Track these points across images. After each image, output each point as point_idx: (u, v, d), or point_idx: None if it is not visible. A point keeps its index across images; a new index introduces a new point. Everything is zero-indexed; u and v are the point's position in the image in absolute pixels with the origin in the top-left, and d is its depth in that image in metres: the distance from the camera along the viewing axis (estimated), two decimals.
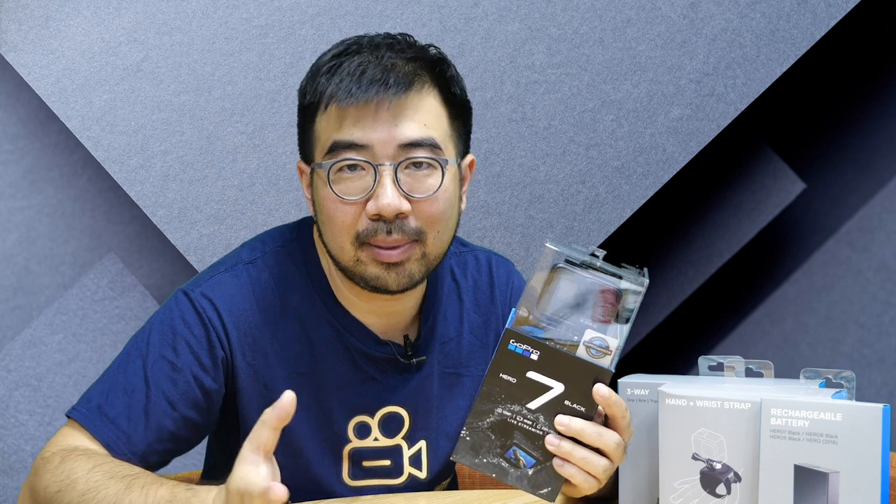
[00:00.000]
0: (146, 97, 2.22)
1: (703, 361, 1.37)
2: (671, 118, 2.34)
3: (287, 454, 1.49)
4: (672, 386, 1.28)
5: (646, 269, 1.24)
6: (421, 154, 1.40)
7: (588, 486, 1.25)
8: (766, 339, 2.67)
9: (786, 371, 1.42)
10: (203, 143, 2.23)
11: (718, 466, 1.25)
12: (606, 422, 1.26)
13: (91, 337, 2.36)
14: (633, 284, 1.22)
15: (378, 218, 1.39)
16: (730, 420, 1.24)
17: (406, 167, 1.40)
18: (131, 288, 2.38)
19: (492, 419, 1.23)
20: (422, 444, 1.56)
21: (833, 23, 2.34)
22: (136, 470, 1.34)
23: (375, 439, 1.53)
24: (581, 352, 1.22)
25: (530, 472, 1.24)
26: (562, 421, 1.22)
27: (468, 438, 1.24)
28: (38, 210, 2.40)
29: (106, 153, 2.21)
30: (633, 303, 1.22)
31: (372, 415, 1.52)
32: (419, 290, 1.54)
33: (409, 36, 1.47)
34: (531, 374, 1.22)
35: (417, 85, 1.41)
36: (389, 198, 1.38)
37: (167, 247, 2.39)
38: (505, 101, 2.30)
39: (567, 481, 1.25)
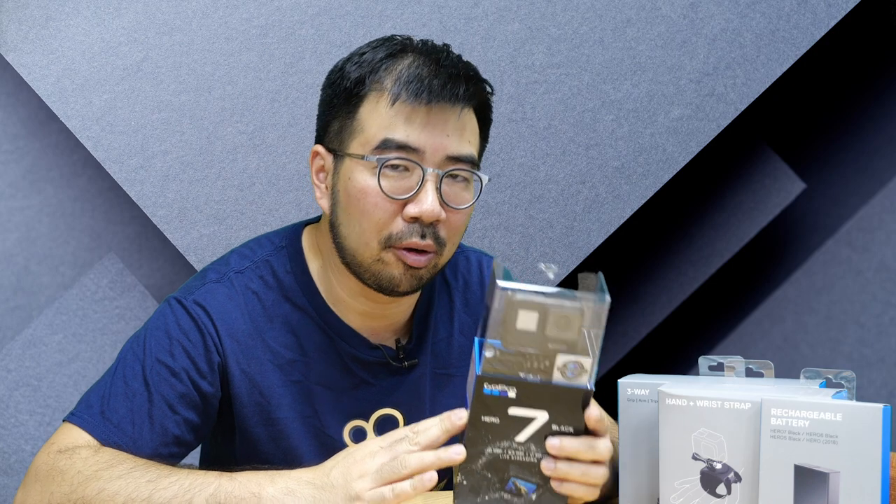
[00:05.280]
0: (146, 97, 2.22)
1: (703, 361, 1.37)
2: (671, 118, 2.34)
3: (284, 461, 1.49)
4: (672, 386, 1.28)
5: (601, 273, 1.22)
6: (464, 168, 1.43)
7: (591, 496, 1.26)
8: (766, 339, 2.67)
9: (786, 371, 1.42)
10: (203, 143, 2.23)
11: (719, 466, 1.25)
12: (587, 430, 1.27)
13: (91, 337, 2.36)
14: (594, 299, 1.19)
15: (415, 221, 1.41)
16: (730, 420, 1.24)
17: (447, 176, 1.42)
18: (131, 288, 2.38)
19: (484, 459, 1.22)
20: None
21: (833, 23, 2.34)
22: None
23: None
24: (557, 377, 1.20)
25: (534, 497, 1.24)
26: (553, 444, 1.22)
27: (465, 483, 1.23)
28: (38, 210, 2.40)
29: (106, 153, 2.21)
30: (599, 316, 1.19)
31: (367, 419, 1.53)
32: (413, 294, 1.54)
33: (449, 45, 1.49)
34: (513, 411, 1.21)
35: (474, 102, 1.45)
36: (432, 203, 1.40)
37: (167, 247, 2.39)
38: (505, 101, 2.30)
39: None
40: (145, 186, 2.22)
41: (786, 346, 2.65)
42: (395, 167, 1.40)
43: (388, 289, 1.44)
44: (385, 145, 1.40)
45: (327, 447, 1.51)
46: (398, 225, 1.41)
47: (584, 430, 1.23)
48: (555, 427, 1.21)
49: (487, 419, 1.21)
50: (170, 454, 1.42)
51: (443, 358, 1.59)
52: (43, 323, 2.34)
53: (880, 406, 1.17)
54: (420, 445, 1.24)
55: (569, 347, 1.19)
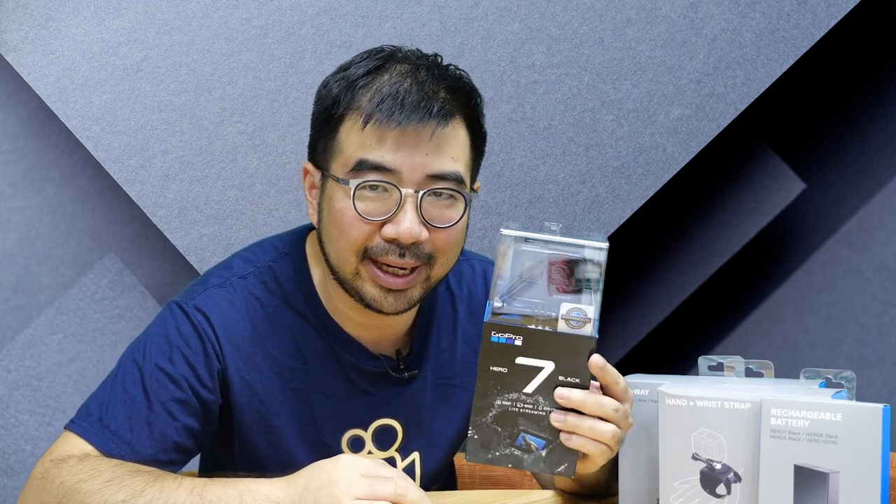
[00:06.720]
0: (146, 97, 2.22)
1: (703, 361, 1.38)
2: (671, 118, 2.34)
3: (282, 469, 1.49)
4: (672, 386, 1.28)
5: (603, 235, 1.27)
6: (446, 186, 1.40)
7: (601, 455, 1.26)
8: (766, 339, 2.67)
9: (786, 371, 1.42)
10: (203, 143, 2.23)
11: (718, 466, 1.25)
12: (602, 391, 1.27)
13: (91, 337, 2.36)
14: (594, 248, 1.23)
15: (393, 241, 1.39)
16: (730, 420, 1.24)
17: (428, 195, 1.39)
18: (131, 288, 2.38)
19: (494, 412, 1.24)
20: (415, 455, 1.55)
21: (833, 23, 2.34)
22: (161, 471, 1.34)
23: (369, 452, 1.52)
24: (562, 326, 1.23)
25: (543, 453, 1.25)
26: (561, 394, 1.23)
27: (476, 437, 1.25)
28: (38, 210, 2.40)
29: (106, 153, 2.22)
30: (599, 265, 1.23)
31: (365, 428, 1.52)
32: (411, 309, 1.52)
33: (439, 56, 1.47)
34: (520, 360, 1.23)
35: (455, 117, 1.41)
36: (409, 225, 1.38)
37: (167, 247, 2.39)
38: (505, 101, 2.30)
39: (582, 454, 1.25)
40: (145, 186, 2.22)
41: (786, 346, 2.65)
42: (373, 188, 1.39)
43: (372, 308, 1.43)
44: (361, 167, 1.39)
45: (324, 456, 1.50)
46: (376, 240, 1.39)
47: (591, 385, 1.25)
48: (561, 378, 1.23)
49: (495, 369, 1.24)
50: (170, 460, 1.41)
51: (445, 369, 1.57)
52: (43, 323, 2.34)
53: (880, 406, 1.17)
54: (405, 500, 1.21)
55: (572, 296, 1.21)
